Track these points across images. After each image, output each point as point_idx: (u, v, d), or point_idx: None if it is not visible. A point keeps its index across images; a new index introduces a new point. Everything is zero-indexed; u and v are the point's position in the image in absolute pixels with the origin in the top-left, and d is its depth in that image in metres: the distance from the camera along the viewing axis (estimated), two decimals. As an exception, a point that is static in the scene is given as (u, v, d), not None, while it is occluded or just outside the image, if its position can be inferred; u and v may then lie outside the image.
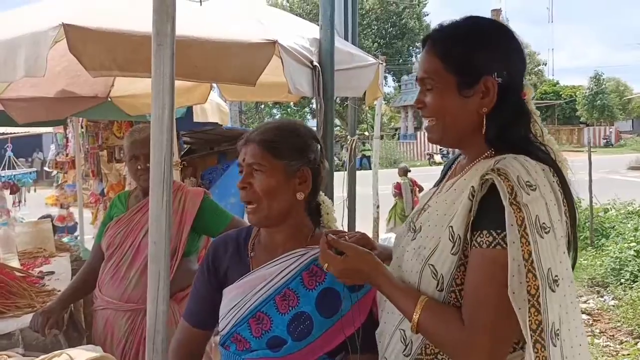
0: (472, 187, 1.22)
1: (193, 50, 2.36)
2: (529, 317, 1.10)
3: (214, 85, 4.45)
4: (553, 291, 1.13)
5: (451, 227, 1.23)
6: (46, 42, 2.17)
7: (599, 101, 37.85)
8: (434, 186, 1.50)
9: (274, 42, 2.48)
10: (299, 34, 2.95)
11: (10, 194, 7.25)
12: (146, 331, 1.20)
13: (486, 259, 1.17)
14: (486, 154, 1.30)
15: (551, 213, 1.17)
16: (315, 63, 2.86)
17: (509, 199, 1.13)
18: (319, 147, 1.61)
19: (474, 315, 1.17)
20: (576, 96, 40.15)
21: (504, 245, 1.14)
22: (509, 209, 1.13)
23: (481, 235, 1.18)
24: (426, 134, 1.41)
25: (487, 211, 1.19)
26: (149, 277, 1.17)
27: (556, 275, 1.14)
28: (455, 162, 1.49)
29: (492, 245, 1.16)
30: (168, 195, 1.16)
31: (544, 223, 1.15)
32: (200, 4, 2.43)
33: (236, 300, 1.54)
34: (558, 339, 1.13)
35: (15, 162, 9.09)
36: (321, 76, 2.84)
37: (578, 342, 1.20)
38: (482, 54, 1.28)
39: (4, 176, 7.48)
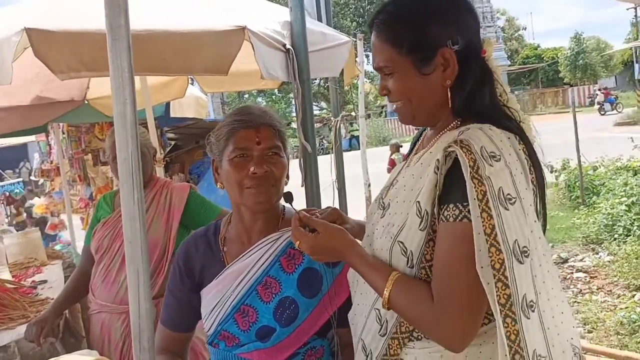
0: (437, 159, 1.18)
1: (160, 44, 2.32)
2: (497, 291, 1.08)
3: (192, 78, 4.41)
4: (521, 263, 1.10)
5: (418, 202, 1.20)
6: (10, 49, 2.12)
7: (580, 61, 37.87)
8: (403, 160, 1.47)
9: (243, 28, 2.44)
10: (269, 17, 2.91)
11: (7, 205, 7.23)
12: (132, 331, 1.18)
13: (453, 232, 1.14)
14: (452, 125, 1.27)
15: (517, 183, 1.14)
16: (288, 46, 2.82)
17: (471, 172, 1.10)
18: None
19: (443, 290, 1.15)
20: (558, 58, 40.18)
21: (470, 218, 1.11)
22: (470, 183, 1.10)
23: (448, 209, 1.15)
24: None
25: (452, 184, 1.16)
26: (128, 277, 1.15)
27: (524, 247, 1.11)
28: (422, 134, 1.46)
29: (459, 218, 1.13)
30: (139, 192, 1.14)
31: (508, 194, 1.11)
32: (165, -4, 2.39)
33: (217, 298, 1.51)
34: (533, 310, 1.11)
35: (2, 174, 9.03)
36: (295, 59, 2.81)
37: (559, 310, 1.19)
38: (431, 27, 1.23)
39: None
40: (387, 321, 1.28)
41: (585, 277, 5.75)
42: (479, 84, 1.25)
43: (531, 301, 1.11)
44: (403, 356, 1.26)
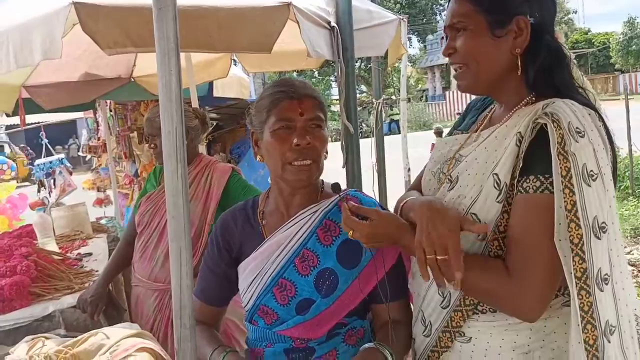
0: (519, 132, 1.20)
1: (206, 19, 2.32)
2: (574, 265, 1.10)
3: (235, 58, 4.41)
4: (599, 239, 1.12)
5: (496, 174, 1.21)
6: (59, 23, 2.15)
7: (634, 46, 36.37)
8: (462, 129, 1.47)
9: (288, 4, 2.41)
10: (315, -6, 2.86)
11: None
12: (173, 308, 1.18)
13: (534, 204, 1.16)
14: (526, 100, 1.28)
15: (599, 158, 1.15)
16: (333, 24, 2.78)
17: (557, 148, 1.12)
18: None
19: (521, 260, 1.16)
20: (609, 43, 38.70)
21: (552, 190, 1.13)
22: (555, 159, 1.12)
23: (527, 181, 1.17)
24: (456, 85, 1.39)
25: (534, 156, 1.17)
26: (171, 254, 1.14)
27: (603, 222, 1.13)
28: (485, 110, 1.45)
29: (540, 190, 1.15)
30: (183, 167, 1.12)
31: (591, 170, 1.13)
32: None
33: (256, 271, 1.51)
34: (607, 283, 1.12)
35: (52, 150, 9.29)
36: (340, 37, 2.76)
37: (628, 283, 1.20)
38: None
39: (40, 164, 7.64)
40: (450, 294, 1.30)
41: (633, 270, 5.56)
42: (553, 60, 1.26)
43: (606, 274, 1.12)
44: (465, 329, 1.29)
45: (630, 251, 6.09)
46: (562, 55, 1.29)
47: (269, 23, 2.39)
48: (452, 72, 1.35)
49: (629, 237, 6.57)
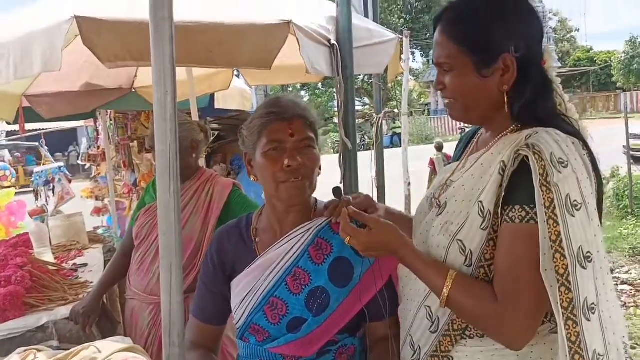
0: (503, 161, 1.21)
1: (207, 36, 2.33)
2: (560, 295, 1.11)
3: (237, 71, 4.43)
4: (584, 268, 1.12)
5: (480, 202, 1.22)
6: (60, 36, 2.16)
7: (635, 65, 36.48)
8: (453, 160, 1.49)
9: (288, 22, 2.42)
10: (315, 12, 2.88)
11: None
12: (162, 325, 1.18)
13: (519, 234, 1.17)
14: (511, 128, 1.29)
15: (583, 188, 1.16)
16: (333, 41, 2.79)
17: (540, 180, 1.12)
18: None
19: (508, 289, 1.17)
20: (611, 61, 38.83)
21: (537, 220, 1.14)
22: (538, 190, 1.12)
23: (513, 210, 1.18)
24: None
25: (518, 186, 1.18)
26: (161, 270, 1.15)
27: (588, 252, 1.13)
28: (474, 136, 1.47)
29: (526, 220, 1.16)
30: (176, 184, 1.13)
31: (575, 200, 1.13)
32: (212, -12, 2.39)
33: (248, 288, 1.51)
34: (594, 312, 1.13)
35: (51, 158, 9.31)
36: (339, 54, 2.77)
37: (615, 311, 1.20)
38: (497, 31, 1.25)
39: (38, 172, 7.65)
40: (438, 318, 1.30)
41: (631, 290, 5.55)
42: (539, 92, 1.26)
43: (592, 304, 1.13)
44: (453, 354, 1.29)
45: (629, 270, 6.08)
46: (547, 85, 1.29)
47: (270, 40, 2.41)
48: (445, 101, 1.36)
49: (627, 257, 6.56)
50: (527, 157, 1.15)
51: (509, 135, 1.28)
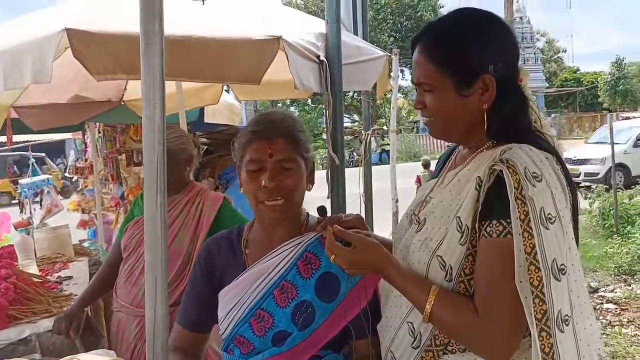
0: (479, 177, 1.22)
1: (197, 50, 2.35)
2: (534, 307, 1.12)
3: (227, 85, 4.46)
4: (558, 280, 1.14)
5: (458, 217, 1.23)
6: (51, 48, 2.17)
7: (621, 86, 37.09)
8: (432, 177, 1.50)
9: (278, 38, 2.45)
10: (304, 29, 2.92)
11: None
12: (146, 338, 1.18)
13: (498, 248, 1.18)
14: (487, 144, 1.31)
15: (557, 201, 1.17)
16: (322, 57, 2.83)
17: (515, 193, 1.14)
18: None
19: (490, 304, 1.18)
20: (598, 82, 39.42)
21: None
22: (513, 203, 1.14)
23: (491, 225, 1.19)
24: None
25: (496, 201, 1.19)
26: (146, 283, 1.15)
27: (562, 264, 1.15)
28: (452, 153, 1.48)
29: (503, 234, 1.17)
30: (163, 197, 1.14)
31: (549, 214, 1.15)
32: (203, 3, 2.41)
33: (235, 299, 1.51)
34: (567, 324, 1.15)
35: (39, 169, 9.23)
36: (328, 70, 2.81)
37: (589, 322, 1.22)
38: (476, 52, 1.27)
39: (27, 184, 7.58)
40: (420, 334, 1.30)
41: (616, 308, 5.58)
42: (516, 109, 1.29)
43: (566, 315, 1.15)
44: None
45: (614, 289, 6.12)
46: (524, 102, 1.31)
47: (259, 55, 2.44)
48: (425, 119, 1.37)
49: (612, 275, 6.60)
50: (501, 171, 1.17)
51: (485, 152, 1.30)
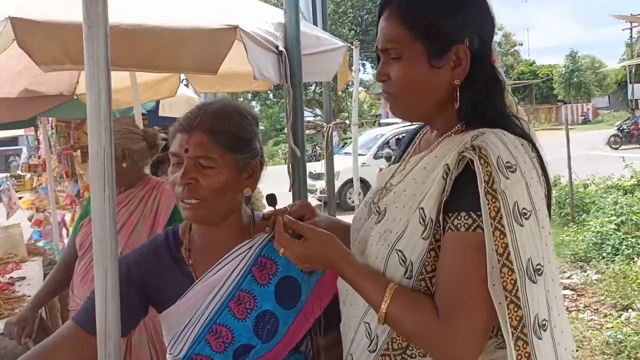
0: (447, 165, 1.09)
1: (150, 39, 2.27)
2: (509, 313, 1.01)
3: (186, 80, 4.36)
4: (534, 282, 1.03)
5: (422, 208, 1.11)
6: (-6, 38, 2.07)
7: (575, 79, 38.19)
8: (394, 162, 1.38)
9: (234, 27, 2.39)
10: (262, 18, 2.86)
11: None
12: (97, 337, 1.12)
13: (464, 242, 1.06)
14: (456, 128, 1.18)
15: (533, 193, 1.06)
16: (281, 48, 2.78)
17: (485, 187, 1.02)
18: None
19: (451, 304, 1.05)
20: (553, 75, 40.47)
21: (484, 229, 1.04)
22: (483, 199, 1.02)
23: (458, 218, 1.06)
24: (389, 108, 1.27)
25: (464, 191, 1.07)
26: (96, 278, 1.09)
27: (538, 264, 1.04)
28: (416, 135, 1.36)
29: (472, 228, 1.05)
30: (111, 189, 1.08)
31: (524, 208, 1.04)
32: (156, -9, 2.34)
33: (187, 318, 1.37)
34: (545, 329, 1.04)
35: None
36: (287, 61, 2.76)
37: (565, 323, 1.13)
38: (453, 19, 1.13)
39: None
40: (377, 336, 1.19)
41: (573, 294, 5.72)
42: (491, 89, 1.17)
43: (543, 320, 1.05)
44: None
45: (570, 276, 6.28)
46: (497, 82, 1.19)
47: (215, 45, 2.37)
48: (386, 95, 1.23)
49: (568, 262, 6.77)
50: (472, 160, 1.05)
51: (454, 136, 1.17)
